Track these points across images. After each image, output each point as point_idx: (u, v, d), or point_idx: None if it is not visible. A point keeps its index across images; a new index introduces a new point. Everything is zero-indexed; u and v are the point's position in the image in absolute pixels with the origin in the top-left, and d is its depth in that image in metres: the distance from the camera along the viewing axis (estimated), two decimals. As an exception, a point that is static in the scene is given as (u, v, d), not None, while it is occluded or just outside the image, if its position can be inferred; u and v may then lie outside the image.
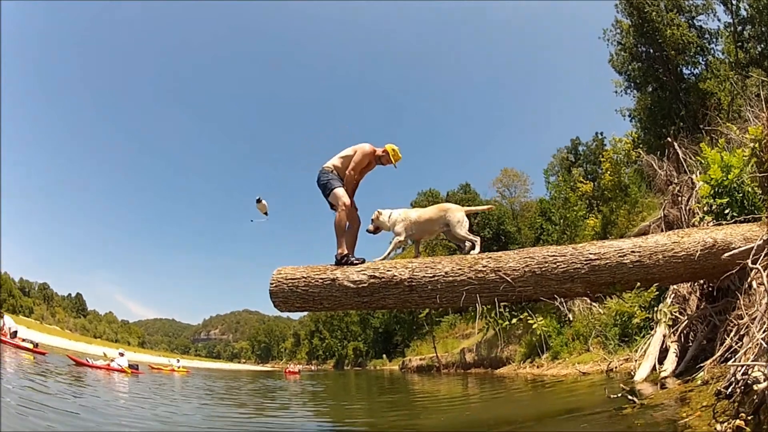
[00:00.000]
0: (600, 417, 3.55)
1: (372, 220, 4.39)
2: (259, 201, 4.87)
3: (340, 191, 4.07)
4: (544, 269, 3.88)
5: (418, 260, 3.82)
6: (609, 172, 16.50)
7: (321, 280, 3.69)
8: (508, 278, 3.78)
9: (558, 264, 3.90)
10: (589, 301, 7.20)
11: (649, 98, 18.25)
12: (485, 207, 4.82)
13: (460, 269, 3.66)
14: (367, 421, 5.41)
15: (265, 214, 5.41)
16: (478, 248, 4.07)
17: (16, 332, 15.82)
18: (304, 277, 3.74)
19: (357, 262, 3.86)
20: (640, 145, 15.73)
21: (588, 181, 22.02)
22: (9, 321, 16.19)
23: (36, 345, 15.80)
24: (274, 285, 3.82)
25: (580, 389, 6.51)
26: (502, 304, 3.88)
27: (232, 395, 9.43)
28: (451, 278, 3.63)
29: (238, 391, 10.84)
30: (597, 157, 24.41)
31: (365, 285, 3.61)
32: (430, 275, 3.62)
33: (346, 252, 3.92)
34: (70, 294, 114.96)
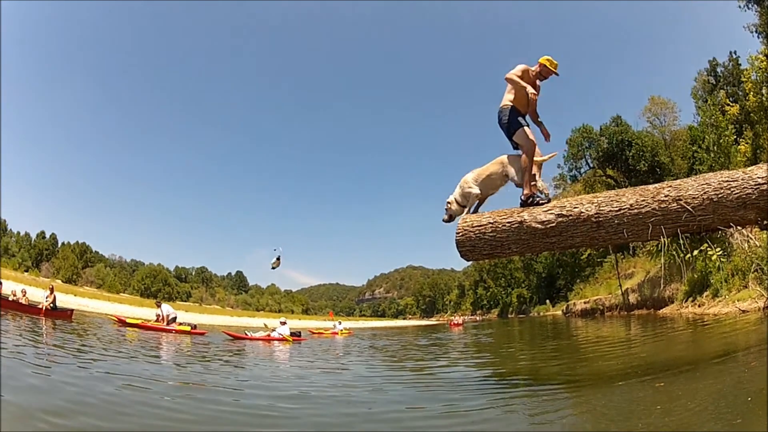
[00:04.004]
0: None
1: (446, 209, 4.41)
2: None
3: (527, 129, 4.03)
4: (720, 196, 3.85)
5: (603, 194, 3.88)
6: (752, 93, 14.81)
7: (508, 224, 3.84)
8: (689, 207, 3.82)
9: (732, 189, 3.85)
10: (746, 233, 6.82)
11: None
12: (549, 156, 4.61)
13: (644, 200, 3.72)
14: (535, 366, 5.56)
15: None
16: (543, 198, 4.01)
17: (175, 318, 16.88)
18: (491, 223, 3.91)
19: (543, 201, 3.87)
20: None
21: (733, 104, 20.11)
22: (167, 308, 17.16)
23: (194, 327, 16.75)
24: (460, 234, 4.02)
25: (740, 327, 6.32)
26: (683, 235, 3.98)
27: (397, 352, 9.74)
28: (636, 211, 3.70)
29: (403, 347, 11.06)
30: (736, 78, 22.40)
31: (553, 225, 3.73)
32: (616, 209, 3.71)
33: (532, 192, 3.93)
34: (229, 273, 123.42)
